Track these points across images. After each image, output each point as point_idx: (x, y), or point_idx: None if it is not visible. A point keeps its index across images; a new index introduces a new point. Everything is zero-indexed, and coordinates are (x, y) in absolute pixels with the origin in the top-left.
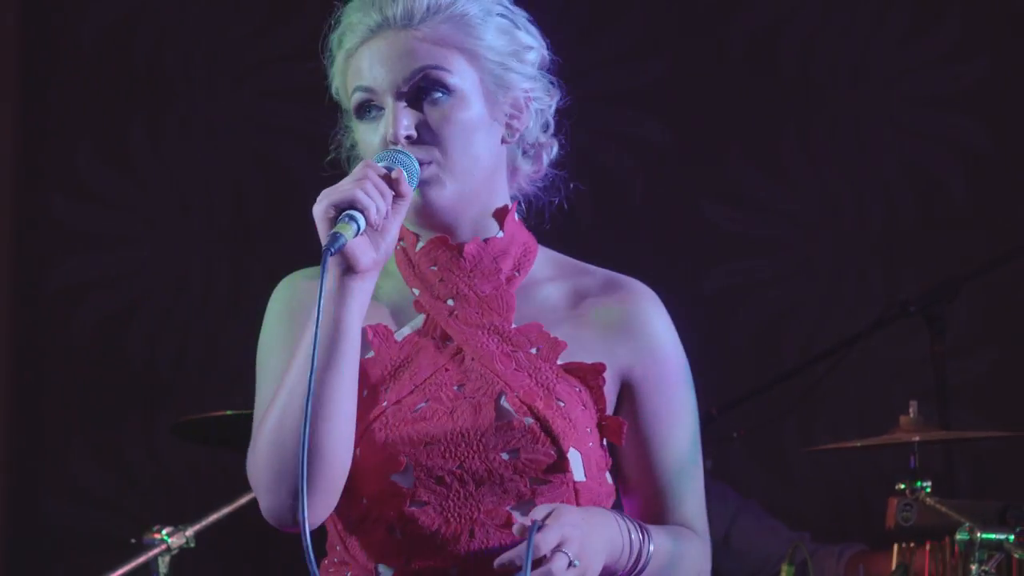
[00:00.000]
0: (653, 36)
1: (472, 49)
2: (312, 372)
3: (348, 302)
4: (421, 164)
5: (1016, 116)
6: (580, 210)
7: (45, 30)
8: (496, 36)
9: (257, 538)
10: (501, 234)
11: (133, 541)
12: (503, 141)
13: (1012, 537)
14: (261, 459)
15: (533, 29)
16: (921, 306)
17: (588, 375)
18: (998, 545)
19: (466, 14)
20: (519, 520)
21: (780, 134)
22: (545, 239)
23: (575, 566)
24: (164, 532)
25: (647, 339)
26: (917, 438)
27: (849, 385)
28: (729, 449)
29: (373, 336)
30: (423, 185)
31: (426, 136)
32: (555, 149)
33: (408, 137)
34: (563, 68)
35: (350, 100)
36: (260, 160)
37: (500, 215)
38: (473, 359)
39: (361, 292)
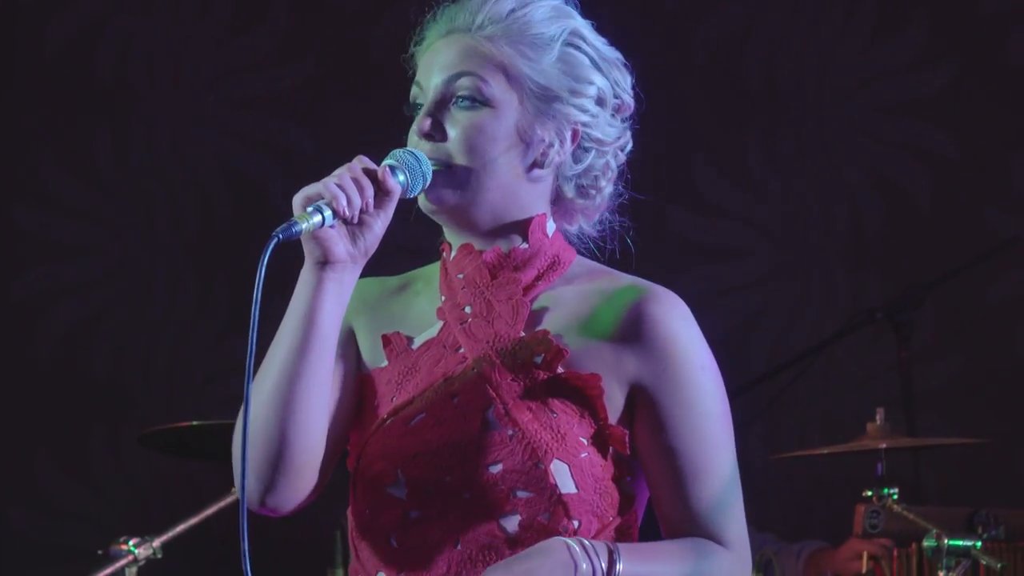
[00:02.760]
0: (618, 45)
1: (518, 69)
2: (250, 364)
3: (320, 292)
4: (437, 165)
5: (980, 123)
6: None
7: (8, 39)
8: (553, 64)
9: (224, 548)
10: (525, 245)
11: (100, 552)
12: (535, 165)
13: (979, 544)
14: (234, 444)
15: (617, 72)
16: (887, 313)
17: (585, 384)
18: (965, 552)
19: (527, 33)
20: None
21: (745, 141)
22: None
23: None
24: (131, 543)
25: (657, 344)
26: (884, 445)
27: (816, 392)
28: None
29: (386, 345)
30: (433, 186)
31: (447, 138)
32: (608, 192)
33: (429, 136)
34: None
35: None
36: (225, 169)
37: (526, 227)
38: (474, 368)
39: (335, 283)
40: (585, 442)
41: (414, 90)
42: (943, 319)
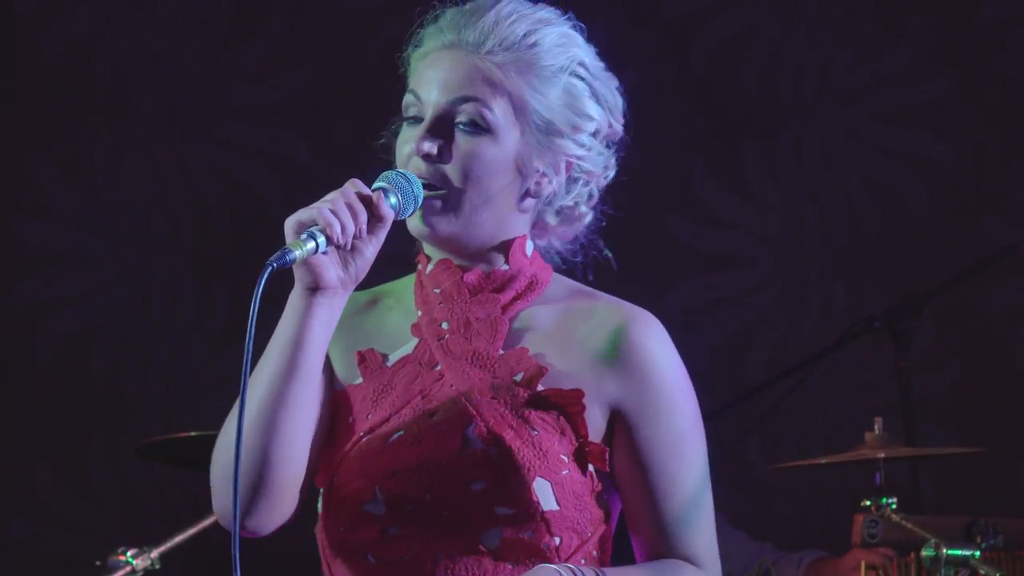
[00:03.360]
0: (616, 54)
1: (524, 100)
2: (244, 386)
3: (309, 318)
4: (431, 188)
5: (978, 131)
6: None
7: (6, 47)
8: (558, 97)
9: (222, 560)
10: (506, 267)
11: (98, 563)
12: (527, 195)
13: (978, 553)
14: (216, 463)
15: (611, 99)
16: (886, 322)
17: (567, 402)
18: (964, 561)
19: (535, 64)
20: None
21: (744, 150)
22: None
23: None
24: (129, 554)
25: (637, 366)
26: (883, 454)
27: (814, 402)
28: None
29: (361, 362)
30: (426, 211)
31: (446, 162)
32: (588, 218)
33: (427, 156)
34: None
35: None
36: (223, 179)
37: (507, 247)
38: (452, 386)
39: (325, 309)
40: (566, 459)
41: (410, 98)
42: (942, 328)
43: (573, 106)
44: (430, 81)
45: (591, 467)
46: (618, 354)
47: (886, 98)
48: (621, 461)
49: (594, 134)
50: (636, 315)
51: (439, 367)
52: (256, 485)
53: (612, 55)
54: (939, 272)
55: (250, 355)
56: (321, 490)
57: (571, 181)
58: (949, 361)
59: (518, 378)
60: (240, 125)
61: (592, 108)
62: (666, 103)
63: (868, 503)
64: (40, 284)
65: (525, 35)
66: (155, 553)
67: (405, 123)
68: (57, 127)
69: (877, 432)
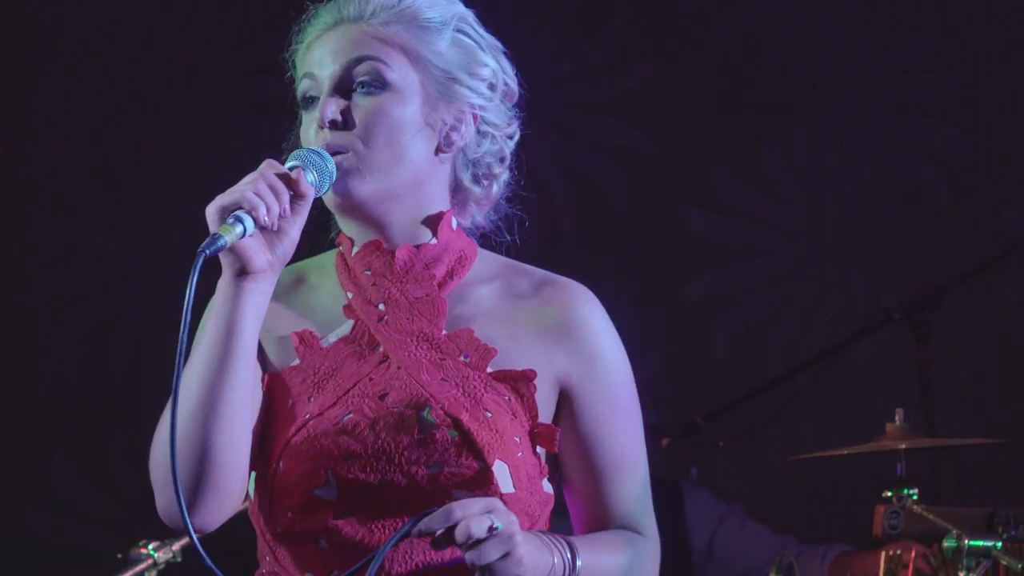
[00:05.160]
0: (634, 45)
1: (417, 51)
2: (177, 379)
3: (241, 304)
4: (339, 153)
5: (996, 122)
6: (561, 218)
7: (24, 41)
8: (449, 45)
9: (244, 552)
10: (434, 241)
11: (119, 556)
12: (439, 150)
13: (999, 544)
14: (155, 460)
15: (502, 59)
16: (905, 313)
17: (518, 383)
18: (986, 552)
19: (419, 17)
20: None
21: (761, 141)
22: (524, 247)
23: (497, 529)
24: (151, 547)
25: (584, 341)
26: (903, 445)
27: (834, 393)
28: (715, 458)
29: (299, 343)
30: (340, 178)
31: (352, 125)
32: (504, 179)
33: (332, 122)
34: (544, 76)
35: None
36: (241, 172)
37: (434, 222)
38: (399, 368)
39: (256, 293)
40: (519, 441)
41: (306, 83)
42: (961, 319)
43: (465, 55)
44: (321, 58)
45: (539, 448)
46: (566, 331)
47: (903, 89)
48: (568, 436)
49: (492, 87)
50: (579, 290)
51: (381, 348)
52: (200, 480)
53: (629, 46)
54: (957, 262)
55: (184, 346)
56: (254, 473)
57: (480, 136)
58: (969, 351)
59: (465, 359)
60: (258, 118)
61: (484, 57)
62: (683, 94)
63: (889, 494)
64: (59, 278)
65: None
66: (176, 546)
67: (306, 112)
68: (76, 121)
69: (898, 423)
